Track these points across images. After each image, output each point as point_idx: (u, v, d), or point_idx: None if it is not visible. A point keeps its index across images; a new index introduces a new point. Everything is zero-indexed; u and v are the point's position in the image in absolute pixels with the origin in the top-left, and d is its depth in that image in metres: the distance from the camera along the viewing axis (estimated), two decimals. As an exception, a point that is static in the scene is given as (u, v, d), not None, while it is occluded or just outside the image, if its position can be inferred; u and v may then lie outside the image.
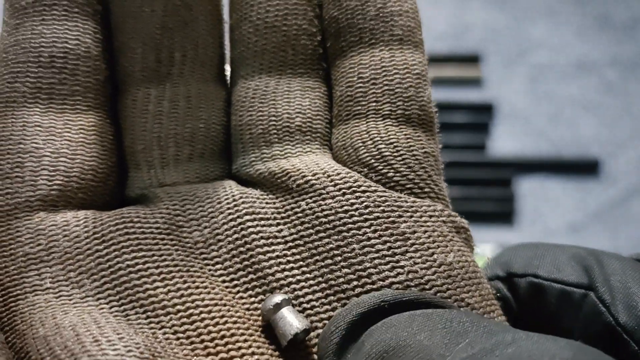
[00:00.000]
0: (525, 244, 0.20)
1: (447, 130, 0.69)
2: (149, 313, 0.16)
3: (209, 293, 0.16)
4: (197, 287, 0.16)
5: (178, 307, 0.16)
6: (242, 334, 0.16)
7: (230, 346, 0.15)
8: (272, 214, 0.18)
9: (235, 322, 0.16)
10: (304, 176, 0.18)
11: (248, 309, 0.17)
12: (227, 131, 0.20)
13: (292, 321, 0.16)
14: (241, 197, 0.18)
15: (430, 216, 0.18)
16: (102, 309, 0.16)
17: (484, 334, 0.13)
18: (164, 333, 0.15)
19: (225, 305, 0.16)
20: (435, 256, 0.17)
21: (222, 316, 0.16)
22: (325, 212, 0.17)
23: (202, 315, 0.16)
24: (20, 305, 0.16)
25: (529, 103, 0.71)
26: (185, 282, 0.16)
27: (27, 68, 0.18)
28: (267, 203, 0.18)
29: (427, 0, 0.77)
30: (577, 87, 0.72)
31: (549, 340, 0.12)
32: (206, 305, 0.16)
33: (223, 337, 0.16)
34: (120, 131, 0.20)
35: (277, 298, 0.16)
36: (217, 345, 0.15)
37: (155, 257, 0.17)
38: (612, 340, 0.17)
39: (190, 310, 0.16)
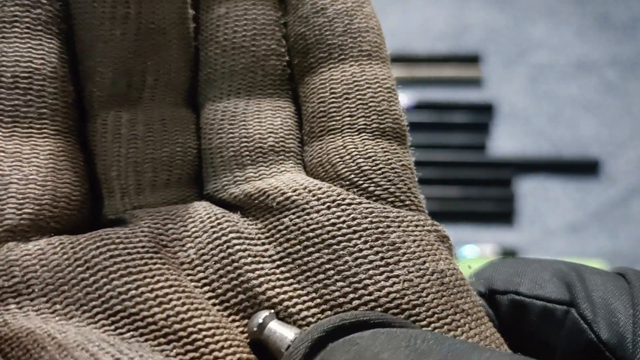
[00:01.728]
0: (506, 259, 0.20)
1: (447, 130, 0.69)
2: (150, 342, 0.15)
3: (208, 315, 0.15)
4: (197, 309, 0.15)
5: (180, 333, 0.15)
6: (248, 359, 0.15)
7: None
8: (256, 234, 0.17)
9: (239, 346, 0.15)
10: (284, 193, 0.17)
11: (242, 332, 0.16)
12: (200, 155, 0.20)
13: (283, 333, 0.15)
14: (223, 216, 0.17)
15: (417, 225, 0.17)
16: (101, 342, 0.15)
17: (448, 354, 0.13)
18: None
19: (226, 327, 0.15)
20: (427, 264, 0.17)
21: (226, 339, 0.15)
22: (312, 227, 0.17)
23: (207, 340, 0.15)
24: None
25: (529, 103, 0.71)
26: (183, 304, 0.15)
27: None
28: (248, 224, 0.17)
29: (427, 0, 0.77)
30: (577, 87, 0.72)
31: None
32: (209, 329, 0.15)
33: None
34: (90, 158, 0.19)
35: (261, 315, 0.16)
36: None
37: (148, 280, 0.15)
38: (594, 357, 0.17)
39: (194, 336, 0.15)
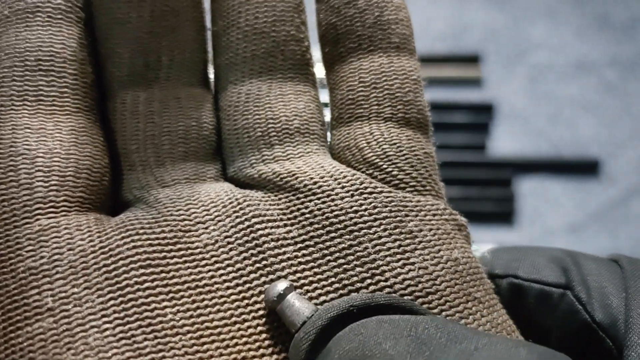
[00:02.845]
0: (505, 247, 0.21)
1: (447, 130, 0.69)
2: (156, 333, 0.15)
3: (217, 312, 0.16)
4: (206, 307, 0.16)
5: (187, 327, 0.16)
6: (254, 357, 0.16)
7: None
8: (278, 215, 0.18)
9: (245, 344, 0.16)
10: (312, 178, 0.18)
11: (262, 316, 0.17)
12: (218, 133, 0.20)
13: (300, 308, 0.16)
14: (245, 200, 0.18)
15: (434, 214, 0.18)
16: (106, 330, 0.15)
17: (447, 342, 0.13)
18: (173, 355, 0.15)
19: (235, 324, 0.16)
20: (441, 253, 0.17)
21: (232, 337, 0.16)
22: (335, 213, 0.17)
23: (212, 337, 0.16)
24: (20, 338, 0.15)
25: (529, 103, 0.71)
26: (194, 301, 0.16)
27: (13, 72, 0.18)
28: (270, 204, 0.18)
29: (427, 0, 0.77)
30: (577, 87, 0.72)
31: (513, 347, 0.12)
32: (215, 327, 0.16)
33: (235, 359, 0.16)
34: (111, 135, 0.20)
35: (280, 286, 0.16)
36: None
37: (164, 274, 0.16)
38: (588, 337, 0.17)
39: (200, 332, 0.16)
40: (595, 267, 0.18)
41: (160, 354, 0.15)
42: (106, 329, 0.15)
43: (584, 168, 0.68)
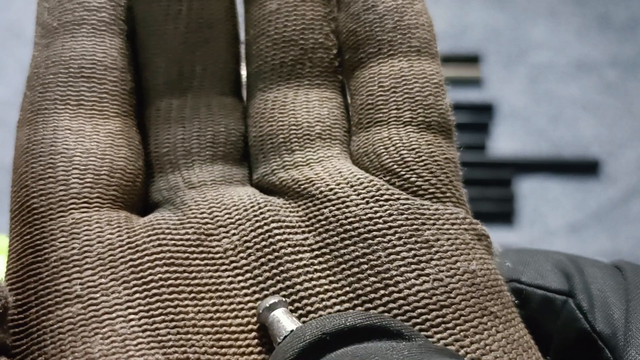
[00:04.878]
0: (509, 250, 0.21)
1: (447, 130, 0.69)
2: (179, 329, 0.16)
3: (236, 317, 0.17)
4: (225, 311, 0.17)
5: (207, 329, 0.16)
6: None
7: None
8: (297, 222, 0.18)
9: (260, 353, 0.16)
10: (327, 184, 0.18)
11: None
12: (245, 140, 0.21)
13: (284, 324, 0.16)
14: (266, 205, 0.18)
15: (453, 224, 0.18)
16: (131, 320, 0.16)
17: None
18: (195, 352, 0.16)
19: (251, 331, 0.16)
20: (458, 264, 0.17)
21: (248, 345, 0.16)
22: (350, 220, 0.17)
23: (230, 342, 0.16)
24: (51, 321, 0.16)
25: (529, 103, 0.71)
26: (214, 304, 0.17)
27: (57, 78, 0.19)
28: (290, 211, 0.18)
29: (427, 0, 0.77)
30: (577, 87, 0.72)
31: None
32: (233, 332, 0.16)
33: None
34: (147, 140, 0.21)
35: (271, 299, 0.16)
36: None
37: (186, 274, 0.17)
38: (587, 346, 0.17)
39: (219, 335, 0.16)
40: (600, 275, 0.18)
41: (182, 349, 0.16)
42: (132, 319, 0.16)
43: (584, 168, 0.68)
